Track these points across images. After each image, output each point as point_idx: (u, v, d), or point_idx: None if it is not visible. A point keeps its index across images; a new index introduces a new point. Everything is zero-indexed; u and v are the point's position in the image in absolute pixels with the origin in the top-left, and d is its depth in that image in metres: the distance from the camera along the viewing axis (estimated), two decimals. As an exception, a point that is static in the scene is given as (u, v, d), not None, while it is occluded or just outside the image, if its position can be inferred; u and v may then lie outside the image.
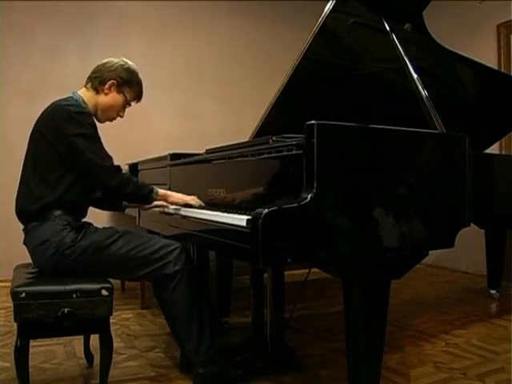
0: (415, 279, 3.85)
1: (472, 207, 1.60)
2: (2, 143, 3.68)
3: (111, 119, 1.96)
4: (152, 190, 1.86)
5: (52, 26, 3.87)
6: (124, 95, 1.91)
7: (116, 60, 1.90)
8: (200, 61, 4.37)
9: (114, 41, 4.03)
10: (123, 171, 1.83)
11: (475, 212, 1.65)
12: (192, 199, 1.89)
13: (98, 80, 1.87)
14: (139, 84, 1.94)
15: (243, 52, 4.55)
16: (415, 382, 1.89)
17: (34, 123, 1.81)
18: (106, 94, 1.88)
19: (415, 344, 2.33)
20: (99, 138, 1.80)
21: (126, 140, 3.89)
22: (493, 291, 3.24)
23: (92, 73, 1.90)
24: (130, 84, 1.90)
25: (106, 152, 1.78)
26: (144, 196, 1.86)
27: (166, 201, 1.93)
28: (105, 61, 1.90)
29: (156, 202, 1.95)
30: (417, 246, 1.44)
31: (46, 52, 3.86)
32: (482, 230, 3.15)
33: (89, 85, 1.89)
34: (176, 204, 1.91)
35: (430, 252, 1.49)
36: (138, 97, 1.97)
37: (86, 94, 1.88)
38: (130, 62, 1.93)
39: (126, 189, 1.78)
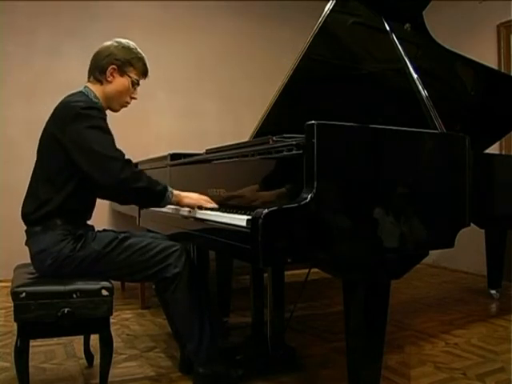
0: (415, 279, 3.85)
1: (472, 207, 1.60)
2: (2, 143, 3.67)
3: (125, 104, 1.87)
4: (166, 188, 1.68)
5: (53, 26, 3.87)
6: (128, 76, 1.80)
7: (109, 43, 1.80)
8: (200, 61, 4.37)
9: (114, 41, 4.03)
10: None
11: (475, 212, 1.65)
12: (206, 201, 1.74)
13: (97, 71, 1.79)
14: (141, 59, 1.83)
15: (243, 52, 4.55)
16: (415, 382, 1.89)
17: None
18: (110, 81, 1.78)
19: (415, 344, 2.33)
20: (110, 132, 1.70)
21: (126, 140, 3.82)
22: (493, 291, 3.23)
23: (90, 65, 1.81)
24: (130, 63, 1.80)
25: (116, 146, 1.67)
26: (157, 194, 1.67)
27: (179, 204, 1.75)
28: (98, 49, 1.81)
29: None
30: (417, 246, 1.44)
31: (47, 52, 3.86)
32: (482, 230, 3.14)
33: (91, 78, 1.81)
34: (190, 207, 1.75)
35: (430, 252, 1.49)
36: (143, 73, 1.85)
37: (93, 89, 1.79)
38: (123, 41, 1.82)
39: (139, 183, 1.61)
